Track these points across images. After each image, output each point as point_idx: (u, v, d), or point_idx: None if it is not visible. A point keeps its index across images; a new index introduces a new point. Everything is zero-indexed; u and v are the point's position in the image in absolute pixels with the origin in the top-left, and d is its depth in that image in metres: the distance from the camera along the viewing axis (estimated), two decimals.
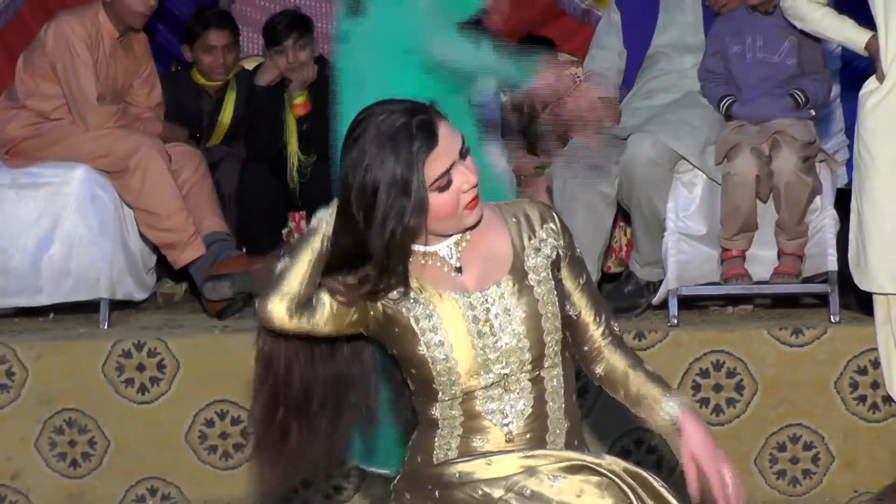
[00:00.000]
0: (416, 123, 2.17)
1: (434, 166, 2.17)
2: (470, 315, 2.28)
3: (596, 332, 2.38)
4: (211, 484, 4.05)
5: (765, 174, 4.10)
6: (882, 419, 3.90)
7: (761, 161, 4.10)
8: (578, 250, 2.39)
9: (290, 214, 5.11)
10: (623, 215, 4.53)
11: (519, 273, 2.30)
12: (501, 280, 2.29)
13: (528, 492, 2.21)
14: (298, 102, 4.95)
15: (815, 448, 3.93)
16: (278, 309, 2.24)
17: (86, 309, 4.51)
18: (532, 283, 2.30)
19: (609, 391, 2.38)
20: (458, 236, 2.30)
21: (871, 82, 3.73)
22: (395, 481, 2.41)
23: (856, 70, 4.54)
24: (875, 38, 3.71)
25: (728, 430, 3.93)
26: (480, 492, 2.24)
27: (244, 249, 4.76)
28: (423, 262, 2.28)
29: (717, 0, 4.46)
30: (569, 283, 2.36)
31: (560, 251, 2.34)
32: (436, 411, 2.33)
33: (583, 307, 2.38)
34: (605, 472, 2.22)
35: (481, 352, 2.27)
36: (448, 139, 2.20)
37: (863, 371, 3.91)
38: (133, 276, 4.60)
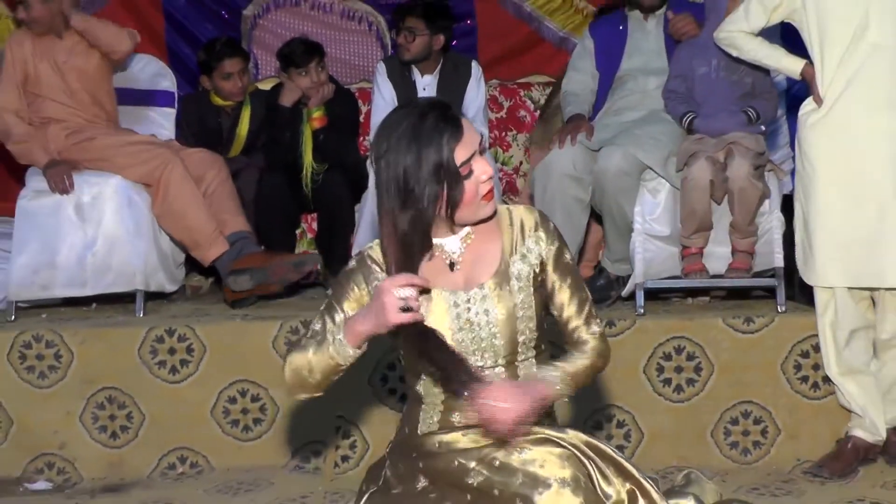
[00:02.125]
0: (445, 117, 2.15)
1: (458, 154, 2.16)
2: (454, 312, 2.26)
3: (576, 330, 2.33)
4: (233, 453, 4.06)
5: (719, 179, 4.08)
6: (822, 397, 3.89)
7: (716, 167, 4.08)
8: (569, 255, 2.33)
9: (302, 217, 5.12)
10: (595, 218, 4.52)
11: (503, 277, 2.27)
12: (486, 283, 2.26)
13: (497, 462, 2.21)
14: (316, 116, 4.96)
15: (764, 422, 3.93)
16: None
17: (124, 300, 4.55)
18: (514, 288, 2.26)
19: None
20: (467, 231, 2.28)
21: (809, 102, 3.69)
22: (388, 448, 2.41)
23: (798, 92, 4.47)
24: (809, 65, 3.66)
25: (688, 406, 3.94)
26: (457, 462, 2.23)
27: (263, 248, 4.71)
28: (427, 253, 2.23)
29: (677, 29, 4.47)
30: (554, 284, 2.31)
31: (544, 257, 2.30)
32: (420, 387, 2.33)
33: (564, 308, 2.32)
34: (566, 445, 2.22)
35: (460, 345, 2.26)
36: (470, 131, 2.19)
37: (805, 355, 3.91)
38: (165, 271, 4.63)
